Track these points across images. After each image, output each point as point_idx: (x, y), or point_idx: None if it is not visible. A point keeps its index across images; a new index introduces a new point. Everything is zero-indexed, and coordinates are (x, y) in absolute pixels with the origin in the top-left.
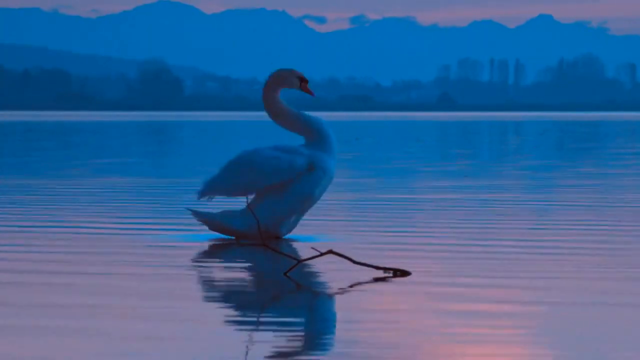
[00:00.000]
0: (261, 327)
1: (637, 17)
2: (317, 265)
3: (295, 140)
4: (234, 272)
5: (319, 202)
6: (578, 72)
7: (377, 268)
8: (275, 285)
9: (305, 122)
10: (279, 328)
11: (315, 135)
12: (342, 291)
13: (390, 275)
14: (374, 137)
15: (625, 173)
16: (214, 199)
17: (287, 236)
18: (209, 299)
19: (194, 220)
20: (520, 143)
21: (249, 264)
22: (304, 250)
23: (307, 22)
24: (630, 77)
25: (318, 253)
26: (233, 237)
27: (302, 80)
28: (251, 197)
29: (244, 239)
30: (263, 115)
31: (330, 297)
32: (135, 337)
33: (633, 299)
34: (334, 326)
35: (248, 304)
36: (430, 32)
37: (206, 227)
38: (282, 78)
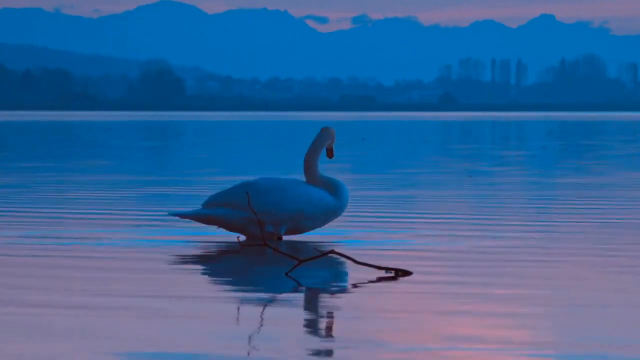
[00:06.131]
0: (263, 327)
1: (638, 17)
2: (319, 265)
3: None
4: (236, 272)
5: None
6: (580, 72)
7: (379, 268)
8: (277, 285)
9: (332, 184)
10: (280, 327)
11: (335, 191)
12: (344, 291)
13: (392, 275)
14: (379, 137)
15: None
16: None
17: (289, 236)
18: (210, 299)
19: (196, 221)
20: (525, 143)
21: (251, 264)
22: (305, 250)
23: (309, 22)
24: (632, 77)
25: (320, 253)
26: (237, 237)
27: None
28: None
29: (227, 228)
30: (264, 115)
31: (331, 297)
32: (136, 335)
33: (635, 299)
34: (336, 326)
35: (249, 304)
36: (431, 32)
37: (203, 227)
38: (332, 135)
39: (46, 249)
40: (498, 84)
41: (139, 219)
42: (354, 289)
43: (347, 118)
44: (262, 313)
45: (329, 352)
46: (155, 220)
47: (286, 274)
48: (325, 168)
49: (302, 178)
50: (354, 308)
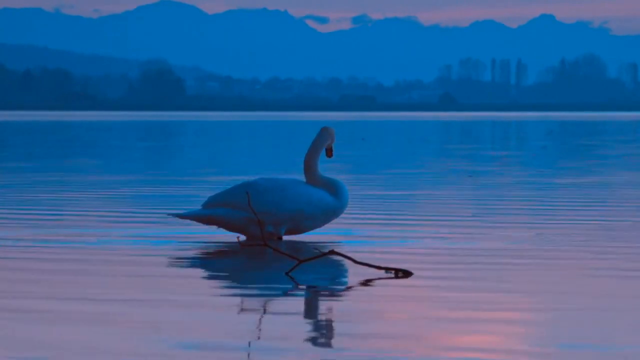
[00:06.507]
0: (262, 327)
1: (638, 17)
2: (319, 265)
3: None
4: (236, 272)
5: None
6: (580, 72)
7: (379, 268)
8: (277, 285)
9: (331, 184)
10: (280, 328)
11: (335, 191)
12: (344, 291)
13: (392, 275)
14: (379, 137)
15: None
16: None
17: (289, 236)
18: (210, 299)
19: (196, 221)
20: (525, 143)
21: (251, 264)
22: (305, 250)
23: (308, 22)
24: (632, 77)
25: (320, 253)
26: (237, 237)
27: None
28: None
29: (223, 227)
30: (264, 115)
31: (331, 297)
32: (135, 335)
33: (635, 303)
34: (335, 326)
35: (249, 304)
36: (431, 32)
37: (203, 227)
38: (332, 135)
39: (44, 249)
40: (498, 84)
41: (139, 219)
42: (353, 290)
43: (347, 118)
44: (262, 313)
45: (328, 353)
46: (155, 220)
47: (286, 273)
48: (325, 168)
49: (302, 178)
50: (354, 309)
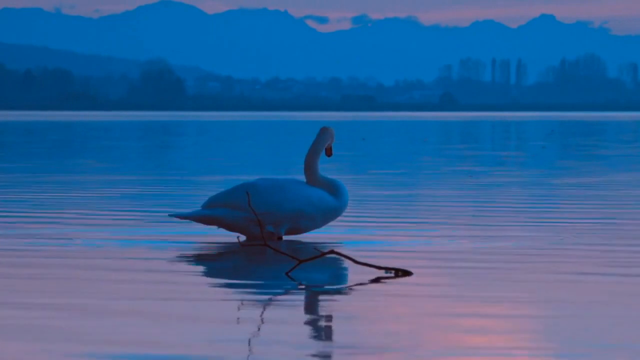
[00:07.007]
0: (262, 327)
1: (638, 17)
2: (319, 265)
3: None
4: (236, 272)
5: None
6: (580, 72)
7: (379, 268)
8: (277, 285)
9: (332, 184)
10: (280, 328)
11: (335, 191)
12: (344, 291)
13: (392, 275)
14: (379, 137)
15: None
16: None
17: (289, 236)
18: (210, 299)
19: (196, 221)
20: (525, 144)
21: (251, 264)
22: (305, 250)
23: (308, 22)
24: (632, 77)
25: (320, 253)
26: (237, 237)
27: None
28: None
29: (225, 227)
30: (264, 115)
31: (331, 297)
32: (135, 336)
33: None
34: (335, 326)
35: (249, 304)
36: (432, 32)
37: (203, 227)
38: (332, 135)
39: (44, 249)
40: (498, 84)
41: (139, 219)
42: (353, 289)
43: (347, 118)
44: (262, 313)
45: (328, 353)
46: (155, 220)
47: (286, 273)
48: (325, 168)
49: (302, 178)
50: (354, 308)
